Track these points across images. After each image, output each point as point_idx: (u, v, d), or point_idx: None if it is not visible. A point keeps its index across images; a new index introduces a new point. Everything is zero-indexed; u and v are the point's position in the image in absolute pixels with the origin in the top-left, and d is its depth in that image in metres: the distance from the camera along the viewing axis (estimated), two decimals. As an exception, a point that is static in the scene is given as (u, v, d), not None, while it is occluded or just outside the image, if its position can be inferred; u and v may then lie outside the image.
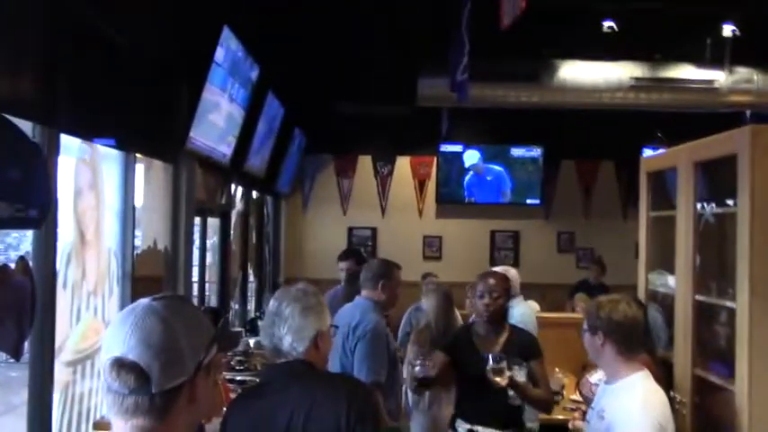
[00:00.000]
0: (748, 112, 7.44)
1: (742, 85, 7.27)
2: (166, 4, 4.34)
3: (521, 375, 3.39)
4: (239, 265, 7.19)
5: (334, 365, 3.46)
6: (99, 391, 3.24)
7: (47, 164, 2.81)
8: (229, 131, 5.21)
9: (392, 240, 9.40)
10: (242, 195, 7.27)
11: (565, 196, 9.53)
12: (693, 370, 3.36)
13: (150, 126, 4.17)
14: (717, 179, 3.31)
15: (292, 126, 8.00)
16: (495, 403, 3.40)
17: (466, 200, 9.44)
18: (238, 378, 4.59)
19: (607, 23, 6.72)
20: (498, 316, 3.53)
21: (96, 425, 3.49)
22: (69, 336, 3.39)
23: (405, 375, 3.97)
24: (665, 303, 3.71)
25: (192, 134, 4.48)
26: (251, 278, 7.80)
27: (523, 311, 4.71)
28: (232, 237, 6.53)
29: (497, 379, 3.27)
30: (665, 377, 3.06)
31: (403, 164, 9.56)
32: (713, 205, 3.37)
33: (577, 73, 7.37)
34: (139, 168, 4.17)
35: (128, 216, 3.99)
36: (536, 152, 9.42)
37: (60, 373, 3.25)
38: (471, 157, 9.47)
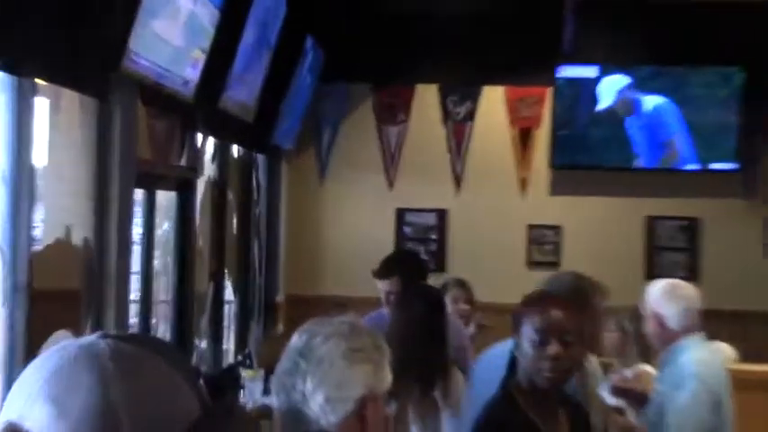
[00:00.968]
0: None
1: None
2: None
3: None
4: (209, 273, 6.56)
5: None
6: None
7: None
8: (194, 43, 5.11)
9: (473, 233, 8.07)
10: (215, 153, 6.70)
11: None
12: None
13: (61, 35, 4.01)
14: None
15: (301, 35, 7.17)
16: None
17: (603, 164, 7.98)
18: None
19: None
20: (567, 377, 3.04)
21: None
22: None
23: None
24: None
25: (131, 47, 4.32)
26: (229, 295, 7.10)
27: (706, 359, 4.00)
28: (198, 225, 6.11)
29: None
30: None
31: (492, 100, 8.16)
32: None
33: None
34: (41, 106, 4.03)
35: (21, 187, 3.76)
36: (731, 80, 7.94)
37: None
38: (613, 87, 7.94)
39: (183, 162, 5.70)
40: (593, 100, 7.92)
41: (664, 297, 3.83)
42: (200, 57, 5.18)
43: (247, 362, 5.84)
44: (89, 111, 4.42)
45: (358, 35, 7.90)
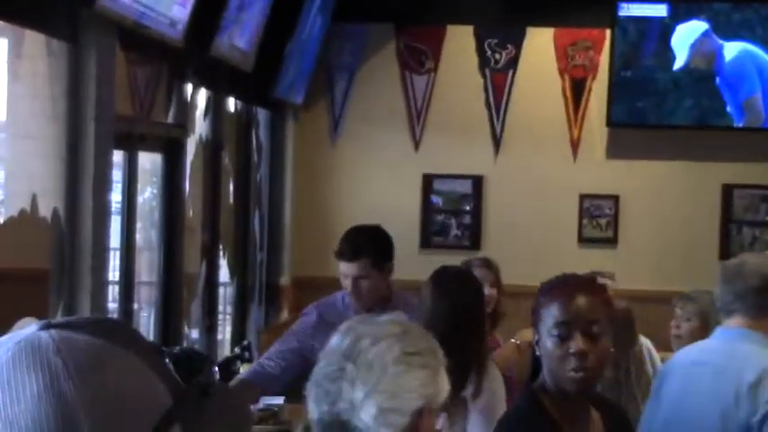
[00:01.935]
0: None
1: None
2: None
3: None
4: (201, 250, 6.30)
5: None
6: None
7: None
8: (182, -24, 5.31)
9: (514, 204, 7.70)
10: (208, 107, 6.39)
11: None
12: None
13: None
14: None
15: (310, -35, 6.99)
16: None
17: (670, 122, 7.53)
18: None
19: None
20: (596, 377, 2.90)
21: None
22: None
23: None
24: None
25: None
26: (224, 276, 6.80)
27: None
28: (188, 192, 6.02)
29: None
30: None
31: (539, 45, 7.76)
32: None
33: None
34: (1, 49, 4.29)
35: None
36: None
37: None
38: (688, 37, 7.48)
39: (169, 119, 5.59)
40: (662, 46, 7.40)
41: None
42: (187, -6, 5.15)
43: (246, 355, 5.42)
44: (57, 56, 4.35)
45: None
